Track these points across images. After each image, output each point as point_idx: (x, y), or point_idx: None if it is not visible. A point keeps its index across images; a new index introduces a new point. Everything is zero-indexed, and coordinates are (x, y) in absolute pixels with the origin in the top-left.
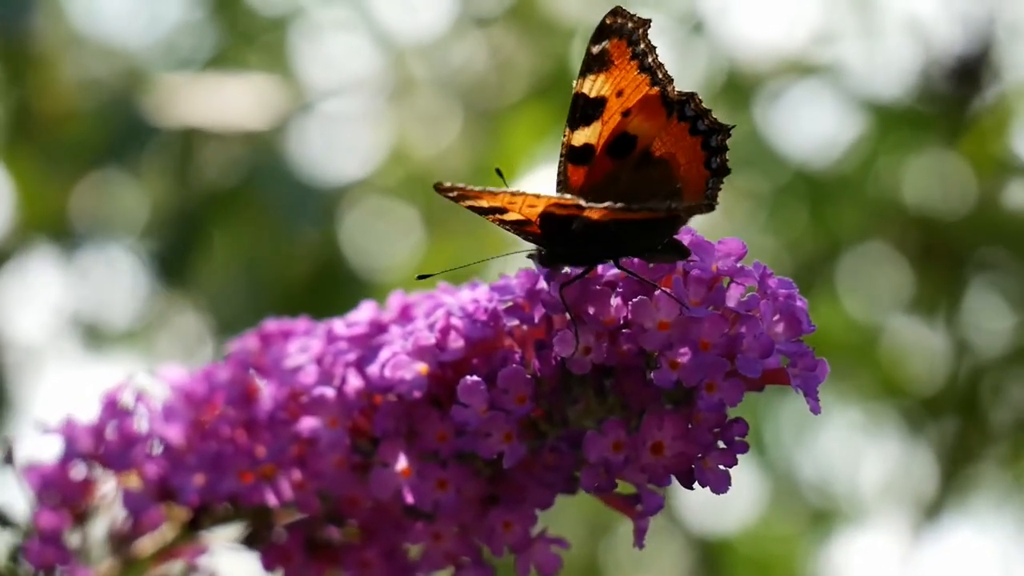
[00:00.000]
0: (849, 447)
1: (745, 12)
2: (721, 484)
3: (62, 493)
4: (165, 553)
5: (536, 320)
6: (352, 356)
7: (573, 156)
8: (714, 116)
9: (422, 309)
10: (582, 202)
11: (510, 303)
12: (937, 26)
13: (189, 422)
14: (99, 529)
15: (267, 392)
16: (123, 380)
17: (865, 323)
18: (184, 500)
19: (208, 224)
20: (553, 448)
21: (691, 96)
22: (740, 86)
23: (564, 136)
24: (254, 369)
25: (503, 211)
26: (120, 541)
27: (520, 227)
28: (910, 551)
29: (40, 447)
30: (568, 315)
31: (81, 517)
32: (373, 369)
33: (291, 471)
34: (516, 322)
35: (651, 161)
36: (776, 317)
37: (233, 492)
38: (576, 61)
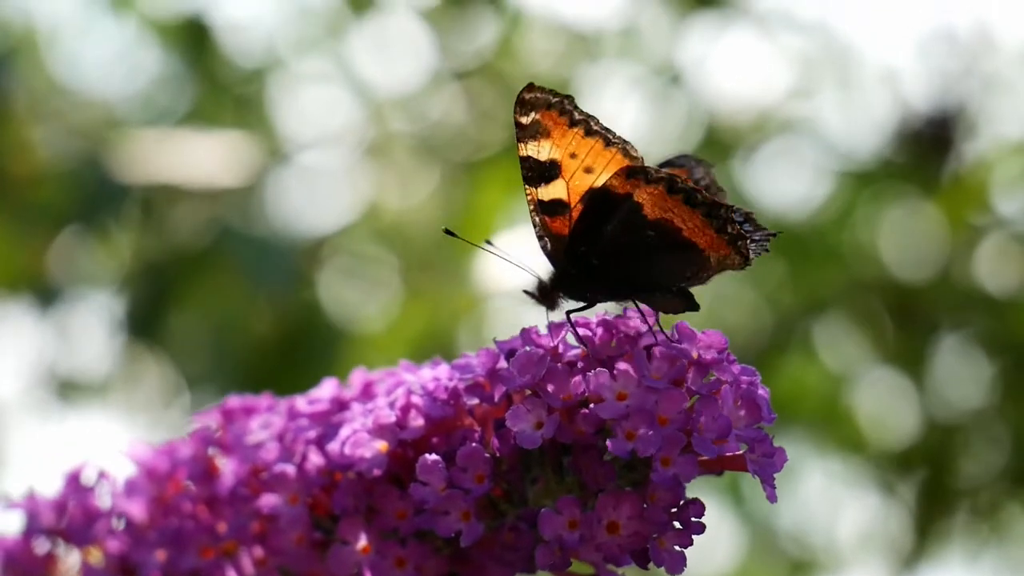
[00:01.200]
0: (827, 499)
1: (722, 65)
2: (676, 565)
3: (24, 567)
4: None
5: (496, 399)
6: (313, 433)
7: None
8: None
9: (384, 387)
10: (652, 170)
11: (471, 382)
12: (913, 81)
13: (151, 498)
14: None
15: (229, 468)
16: (86, 457)
17: (841, 377)
18: None
19: (178, 282)
20: (512, 527)
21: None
22: (718, 139)
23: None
24: (216, 445)
25: (554, 172)
26: None
27: (549, 218)
28: None
29: (2, 520)
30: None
31: None
32: (334, 446)
33: (252, 548)
34: (476, 401)
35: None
36: (737, 403)
37: (194, 569)
38: None
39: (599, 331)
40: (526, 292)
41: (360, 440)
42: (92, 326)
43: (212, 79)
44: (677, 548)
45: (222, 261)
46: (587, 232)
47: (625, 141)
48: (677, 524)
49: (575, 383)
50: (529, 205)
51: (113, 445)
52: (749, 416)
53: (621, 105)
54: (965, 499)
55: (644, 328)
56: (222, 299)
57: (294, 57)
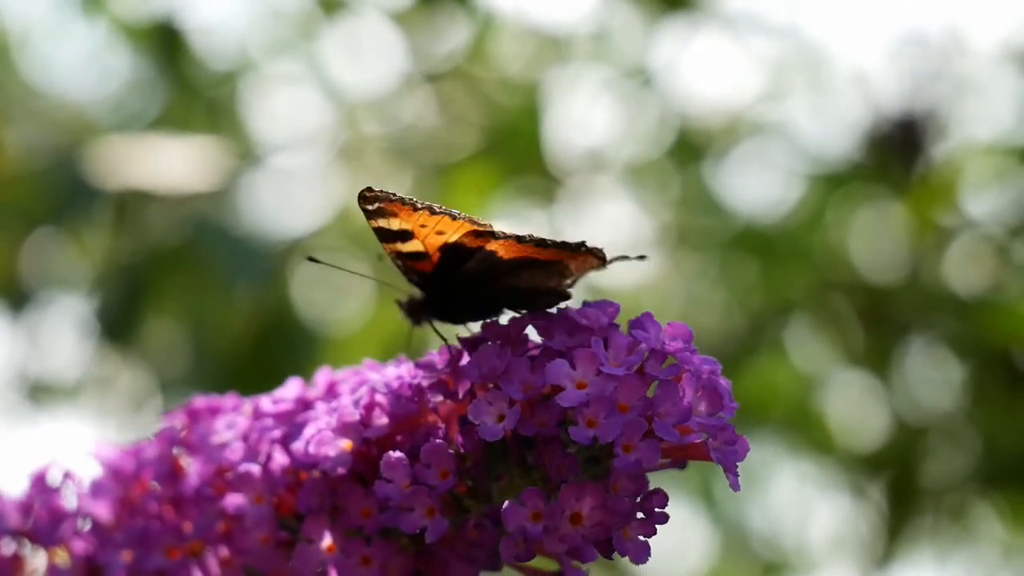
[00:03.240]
0: (798, 500)
1: (693, 69)
2: (640, 554)
3: None
4: None
5: (460, 396)
6: (278, 433)
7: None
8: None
9: (348, 386)
10: (496, 229)
11: (434, 379)
12: (884, 83)
13: (117, 499)
14: None
15: (194, 469)
16: (51, 457)
17: (811, 379)
18: None
19: (152, 283)
20: (477, 524)
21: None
22: (690, 142)
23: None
24: (182, 446)
25: (408, 236)
26: None
27: (411, 262)
28: None
29: None
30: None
31: None
32: (298, 446)
33: (218, 547)
34: (440, 398)
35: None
36: (699, 392)
37: (160, 569)
38: (524, 116)
39: (559, 324)
40: (397, 303)
41: (324, 439)
42: (64, 328)
43: (184, 82)
44: (641, 538)
45: (196, 259)
46: (449, 271)
47: (470, 216)
48: (640, 514)
49: (536, 375)
50: (389, 255)
51: (83, 447)
52: (710, 405)
53: (592, 108)
54: (935, 500)
55: (605, 320)
56: (196, 300)
57: (266, 60)
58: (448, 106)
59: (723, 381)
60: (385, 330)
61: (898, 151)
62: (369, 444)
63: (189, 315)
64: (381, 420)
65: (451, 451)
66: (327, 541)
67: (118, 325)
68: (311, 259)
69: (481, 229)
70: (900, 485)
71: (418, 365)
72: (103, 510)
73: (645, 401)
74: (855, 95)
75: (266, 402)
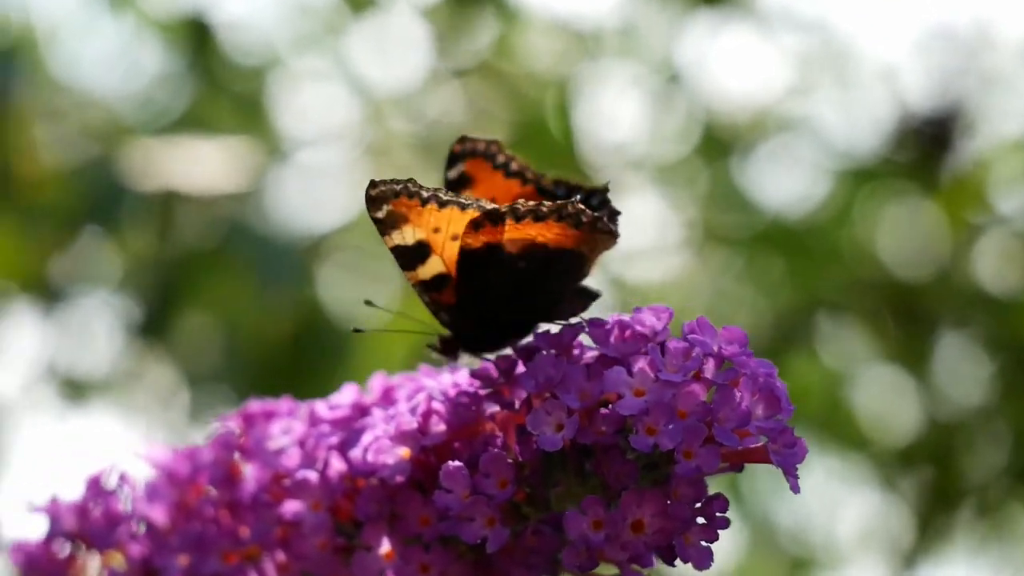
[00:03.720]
0: (826, 496)
1: (721, 64)
2: (703, 560)
3: (45, 571)
4: None
5: (516, 405)
6: (335, 439)
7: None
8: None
9: (404, 392)
10: (491, 207)
11: (490, 387)
12: (912, 79)
13: (172, 503)
14: None
15: (250, 474)
16: (108, 461)
17: (841, 374)
18: None
19: (185, 282)
20: (535, 531)
21: (566, 182)
22: (717, 137)
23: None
24: (237, 450)
25: (425, 252)
26: None
27: (435, 295)
28: None
29: (25, 525)
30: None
31: None
32: (356, 453)
33: (275, 553)
34: (497, 407)
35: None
36: (756, 396)
37: (217, 573)
38: (552, 112)
39: (614, 331)
40: (429, 347)
41: (382, 447)
42: (97, 326)
43: (212, 78)
44: (703, 543)
45: (229, 260)
46: (471, 293)
47: (478, 200)
48: (701, 520)
49: (593, 383)
50: (415, 288)
51: (118, 445)
52: (768, 408)
53: (620, 104)
54: (966, 497)
55: (659, 326)
56: (229, 299)
57: (293, 55)
58: (475, 102)
59: (780, 384)
60: (414, 326)
61: (926, 147)
62: (427, 452)
63: (222, 314)
64: (439, 428)
65: (510, 460)
66: (385, 548)
67: (151, 323)
68: (368, 303)
69: (494, 211)
70: (930, 481)
71: (473, 374)
72: (158, 514)
73: (704, 407)
74: (883, 90)
75: (322, 408)
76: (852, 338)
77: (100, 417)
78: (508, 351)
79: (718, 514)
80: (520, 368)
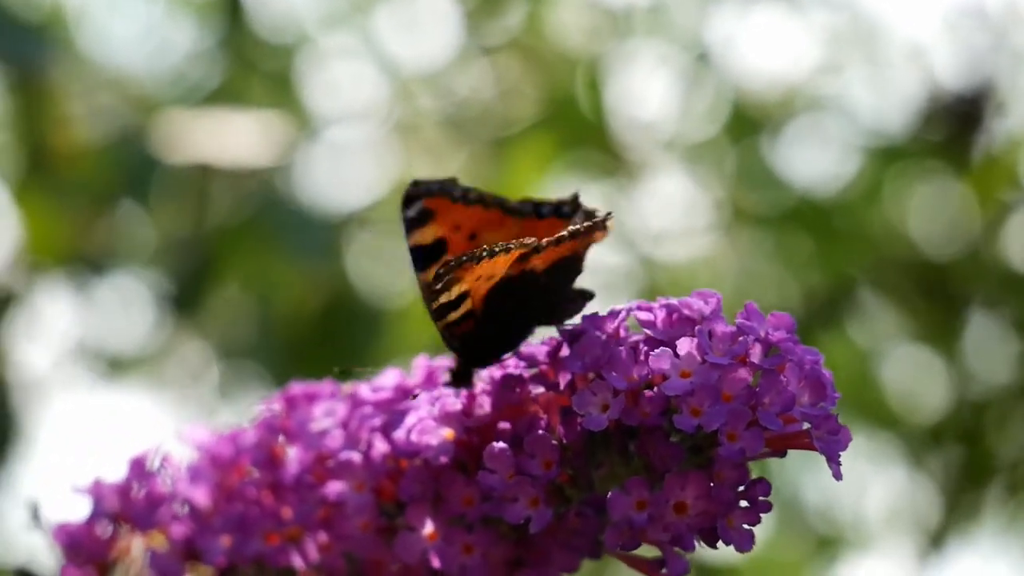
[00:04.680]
0: (854, 475)
1: (750, 42)
2: (745, 542)
3: (88, 551)
4: None
5: (561, 387)
6: (378, 421)
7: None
8: (556, 199)
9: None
10: (528, 240)
11: (535, 369)
12: (942, 57)
13: (215, 484)
14: None
15: (293, 455)
16: (150, 442)
17: (870, 353)
18: (210, 561)
19: (218, 255)
20: (579, 512)
21: (525, 198)
22: (746, 116)
23: (418, 281)
24: (280, 432)
25: (462, 300)
26: None
27: (457, 328)
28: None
29: (66, 506)
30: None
31: (105, 574)
32: (399, 434)
33: (317, 534)
34: (541, 389)
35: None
36: (801, 382)
37: (259, 554)
38: (581, 90)
39: (660, 314)
40: (445, 384)
41: (427, 427)
42: (131, 301)
43: (242, 55)
44: (745, 526)
45: (262, 233)
46: (492, 312)
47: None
48: (744, 503)
49: (639, 365)
50: (423, 293)
51: (149, 421)
52: (813, 395)
53: (649, 82)
54: (995, 476)
55: (707, 310)
56: (262, 274)
57: (322, 33)
58: (504, 80)
59: (826, 372)
60: None
61: (956, 125)
62: (471, 433)
63: (254, 288)
64: (483, 410)
65: (554, 441)
66: (429, 529)
67: (184, 298)
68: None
69: (527, 251)
70: (959, 460)
71: (519, 356)
72: (201, 495)
73: (749, 390)
74: (912, 69)
75: (365, 390)
76: (881, 317)
77: (131, 393)
78: (553, 333)
79: (760, 497)
80: (565, 351)
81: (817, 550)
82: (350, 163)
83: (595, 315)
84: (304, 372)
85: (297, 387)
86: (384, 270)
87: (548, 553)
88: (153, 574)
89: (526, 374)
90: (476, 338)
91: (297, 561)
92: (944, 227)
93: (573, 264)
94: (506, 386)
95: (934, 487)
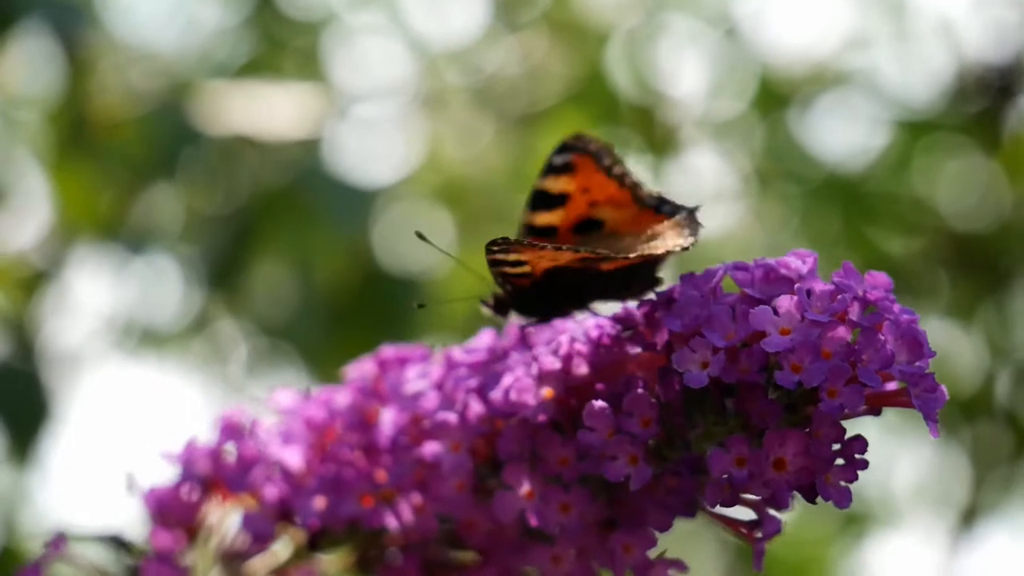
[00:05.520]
0: (882, 451)
1: (778, 18)
2: (843, 498)
3: (177, 514)
4: (277, 573)
5: (659, 347)
6: (474, 382)
7: (533, 233)
8: (681, 203)
9: (542, 337)
10: (602, 251)
11: (631, 332)
12: (970, 32)
13: (308, 446)
14: (212, 550)
15: (386, 418)
16: (240, 405)
17: None
18: (305, 522)
19: (256, 228)
20: (675, 471)
21: (660, 195)
22: (773, 91)
23: (523, 215)
24: (372, 395)
25: (520, 264)
26: (232, 561)
27: (514, 279)
28: (945, 554)
29: (158, 472)
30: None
31: (195, 538)
32: (496, 394)
33: (410, 495)
34: (638, 349)
35: (616, 235)
36: (898, 340)
37: (354, 515)
38: (610, 65)
39: (757, 273)
40: (483, 303)
41: (525, 387)
42: (165, 276)
43: (269, 33)
44: (843, 483)
45: (299, 204)
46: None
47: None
48: (841, 460)
49: (737, 324)
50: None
51: (183, 397)
52: (910, 353)
53: (677, 58)
54: None
55: (804, 269)
56: (300, 245)
57: (349, 10)
58: (531, 56)
59: (922, 330)
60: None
61: (985, 99)
62: (568, 393)
63: (292, 261)
64: (581, 369)
65: (652, 400)
66: (525, 488)
67: (222, 271)
68: (419, 236)
69: (595, 258)
70: (990, 435)
71: (615, 318)
72: (294, 457)
73: (848, 347)
74: (941, 43)
75: (458, 352)
76: (911, 291)
77: (164, 369)
78: (650, 295)
79: (857, 455)
80: (661, 311)
81: (845, 527)
82: (378, 140)
83: (691, 275)
84: (343, 344)
85: (389, 350)
86: (415, 244)
87: (642, 513)
88: (245, 535)
89: (623, 334)
90: (527, 294)
91: (391, 522)
92: (974, 201)
93: (646, 265)
94: (603, 347)
95: (965, 463)
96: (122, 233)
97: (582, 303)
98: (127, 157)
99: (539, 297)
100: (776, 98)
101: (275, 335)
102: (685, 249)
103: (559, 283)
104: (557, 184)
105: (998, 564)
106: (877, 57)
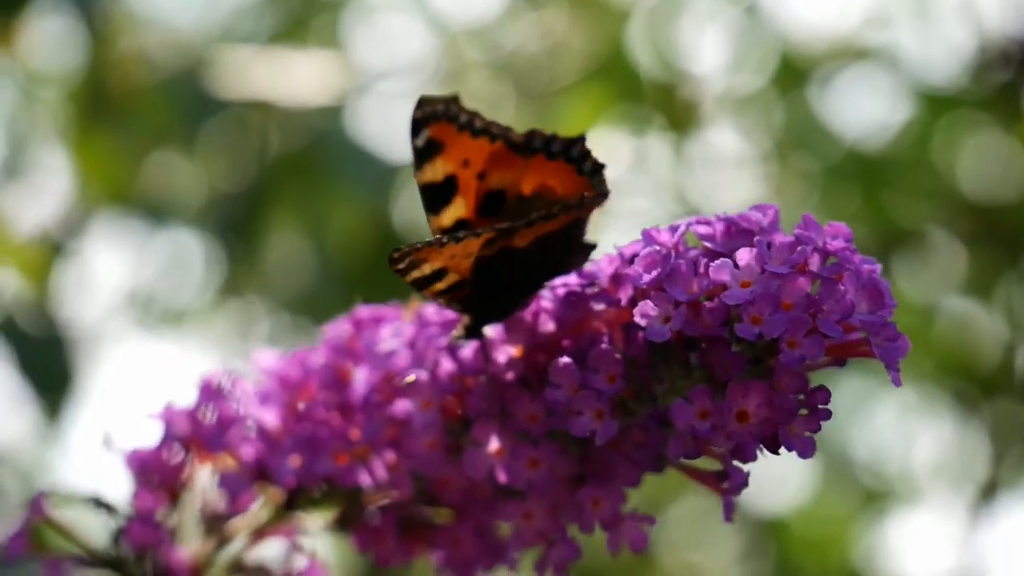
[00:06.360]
0: (902, 427)
1: None
2: (807, 449)
3: (159, 475)
4: (258, 533)
5: (623, 303)
6: (444, 340)
7: (449, 291)
8: (565, 137)
9: None
10: (506, 225)
11: (596, 289)
12: (990, 6)
13: (284, 405)
14: (193, 510)
15: (359, 376)
16: (219, 365)
17: (920, 305)
18: (280, 481)
19: (272, 194)
20: (642, 425)
21: (533, 132)
22: (793, 67)
23: (430, 224)
24: (347, 354)
25: (443, 274)
26: (214, 521)
27: (454, 293)
28: (964, 531)
29: (138, 433)
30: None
31: (177, 498)
32: (466, 352)
33: (384, 453)
34: (603, 306)
35: (527, 200)
36: (859, 291)
37: (329, 473)
38: (631, 42)
39: (719, 227)
40: (456, 338)
41: (493, 345)
42: (185, 248)
43: (289, 9)
44: (807, 434)
45: (319, 167)
46: (484, 284)
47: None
48: (804, 411)
49: (699, 277)
50: (429, 297)
51: (238, 357)
52: (871, 303)
53: (697, 34)
54: None
55: (765, 222)
56: (318, 209)
57: None
58: (551, 33)
59: (883, 280)
60: None
61: (1006, 76)
62: (535, 350)
63: (309, 228)
64: (548, 326)
65: (617, 356)
66: (495, 445)
67: (240, 238)
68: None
69: (494, 236)
70: (1011, 411)
71: (580, 275)
72: (270, 417)
73: (808, 298)
74: (961, 18)
75: (430, 310)
76: (931, 267)
77: (183, 344)
78: (613, 252)
79: (820, 405)
80: (624, 267)
81: (865, 504)
82: (398, 117)
83: (654, 230)
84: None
85: (364, 310)
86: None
87: (611, 468)
88: (223, 495)
89: (588, 291)
90: (480, 299)
91: (365, 480)
92: (995, 177)
93: (571, 229)
94: (569, 304)
95: (985, 439)
96: (141, 205)
97: (535, 287)
98: (147, 125)
99: (487, 297)
100: (796, 74)
101: (291, 305)
102: (605, 198)
103: (493, 277)
104: (436, 170)
105: (1018, 539)
106: (898, 32)
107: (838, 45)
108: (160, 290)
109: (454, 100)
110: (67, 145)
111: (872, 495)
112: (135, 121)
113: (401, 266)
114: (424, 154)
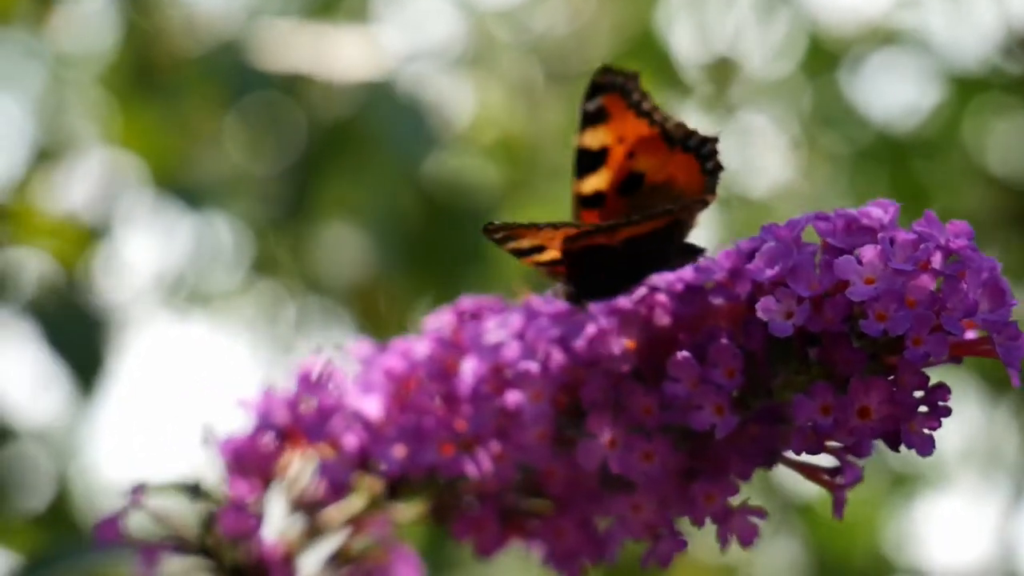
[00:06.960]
0: None
1: None
2: (926, 446)
3: (255, 463)
4: (353, 523)
5: (741, 298)
6: (555, 332)
7: (585, 203)
8: (704, 133)
9: None
10: (585, 225)
11: (713, 284)
12: None
13: (387, 396)
14: (287, 499)
15: (467, 367)
16: (317, 354)
17: None
18: (384, 471)
19: (322, 170)
20: (757, 420)
21: (681, 123)
22: (823, 50)
23: (573, 186)
24: (451, 345)
25: (541, 249)
26: (308, 510)
27: (554, 267)
28: (994, 515)
29: (235, 421)
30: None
31: (271, 487)
32: (579, 343)
33: (490, 444)
34: (720, 300)
35: (657, 189)
36: (980, 289)
37: (433, 463)
38: (659, 25)
39: (839, 223)
40: (567, 295)
41: (607, 337)
42: (224, 230)
43: None
44: (926, 431)
45: (365, 134)
46: (583, 266)
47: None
48: (924, 408)
49: (822, 273)
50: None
51: (337, 347)
52: (992, 302)
53: (725, 17)
54: None
55: (886, 219)
56: (365, 180)
57: None
58: (580, 15)
59: (1004, 279)
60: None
61: None
62: (649, 343)
63: (360, 202)
64: (663, 320)
65: (737, 351)
66: (608, 436)
67: (289, 212)
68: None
69: (572, 233)
70: None
71: (696, 269)
72: (373, 407)
73: (932, 296)
74: (991, 3)
75: (539, 301)
76: None
77: (215, 326)
78: (731, 247)
79: (941, 403)
80: (744, 262)
81: (893, 488)
82: (429, 97)
83: (773, 225)
84: (419, 285)
85: (467, 301)
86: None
87: (724, 462)
88: (322, 482)
89: (706, 286)
90: (578, 278)
91: (471, 470)
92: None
93: (671, 230)
94: (686, 297)
95: (1013, 424)
96: (182, 184)
97: (634, 278)
98: (189, 99)
99: (586, 278)
100: (826, 57)
101: (334, 286)
102: (706, 204)
103: (588, 263)
104: (595, 137)
105: None
106: (927, 15)
107: (868, 28)
108: (192, 271)
109: (633, 77)
110: (105, 123)
111: (900, 479)
112: (176, 95)
113: (498, 236)
114: (591, 119)
